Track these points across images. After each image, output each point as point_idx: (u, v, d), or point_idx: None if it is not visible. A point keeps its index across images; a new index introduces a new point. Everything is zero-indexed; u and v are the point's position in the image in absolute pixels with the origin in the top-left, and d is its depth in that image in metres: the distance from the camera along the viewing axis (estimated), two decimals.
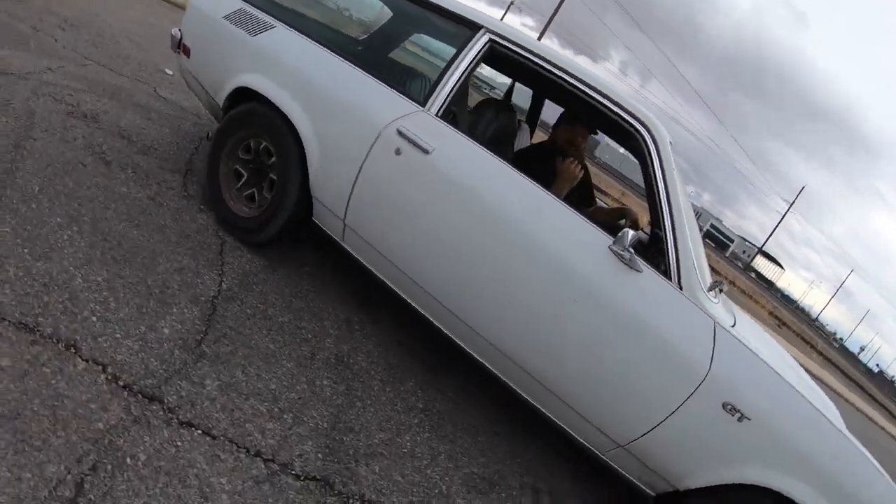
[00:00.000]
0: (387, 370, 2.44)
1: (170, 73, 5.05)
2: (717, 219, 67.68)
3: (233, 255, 2.58)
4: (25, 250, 1.94)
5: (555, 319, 2.08)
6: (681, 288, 2.01)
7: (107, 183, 2.61)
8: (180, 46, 2.95)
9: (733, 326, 2.14)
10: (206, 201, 2.86)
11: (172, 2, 9.52)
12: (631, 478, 2.19)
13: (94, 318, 1.83)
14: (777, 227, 50.48)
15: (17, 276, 1.82)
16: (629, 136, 2.22)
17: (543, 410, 2.24)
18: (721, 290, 2.48)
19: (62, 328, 1.73)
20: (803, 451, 1.93)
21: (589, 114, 2.81)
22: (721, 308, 2.20)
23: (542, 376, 2.15)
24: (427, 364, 2.66)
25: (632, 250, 1.96)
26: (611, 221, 2.97)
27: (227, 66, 2.71)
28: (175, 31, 3.00)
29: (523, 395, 2.26)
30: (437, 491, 1.99)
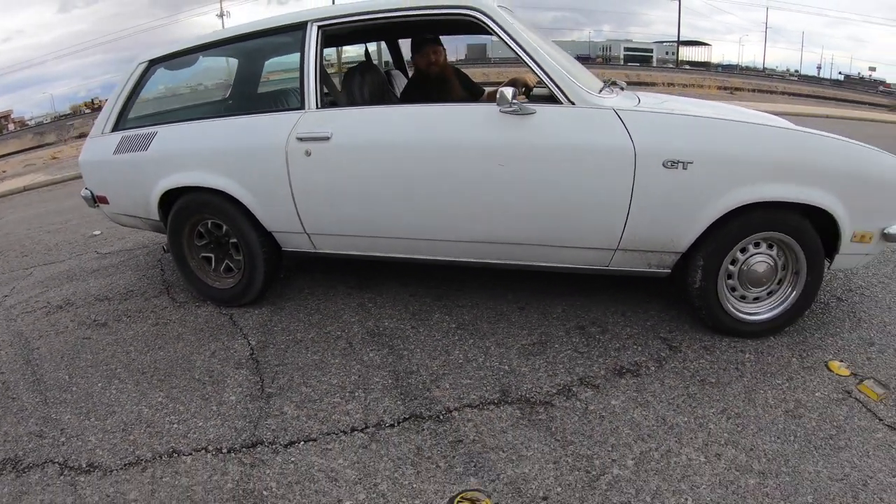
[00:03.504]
0: (411, 318, 2.80)
1: (98, 233, 5.27)
2: (627, 40, 67.30)
3: (244, 319, 2.92)
4: (92, 418, 2.24)
5: (498, 187, 2.38)
6: (572, 103, 2.29)
7: (115, 337, 2.90)
8: (96, 200, 3.21)
9: (638, 104, 2.43)
10: (197, 296, 3.19)
11: (48, 183, 9.69)
12: (642, 270, 2.49)
13: (176, 425, 2.15)
14: (680, 12, 50.43)
15: (105, 434, 2.13)
16: (467, 25, 2.50)
17: (540, 264, 2.56)
18: (621, 88, 2.77)
19: (157, 446, 2.04)
20: (762, 159, 2.19)
21: (426, 30, 3.08)
22: (619, 99, 2.48)
23: (519, 237, 2.47)
24: (437, 295, 3.03)
25: (516, 102, 2.25)
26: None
27: (142, 186, 2.99)
28: (84, 192, 3.30)
29: (517, 263, 2.58)
30: (503, 372, 2.33)
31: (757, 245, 2.37)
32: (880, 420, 1.95)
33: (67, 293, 3.63)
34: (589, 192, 2.31)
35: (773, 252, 2.38)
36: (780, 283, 2.45)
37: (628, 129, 2.22)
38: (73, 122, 28.55)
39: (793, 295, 2.43)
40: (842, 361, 2.30)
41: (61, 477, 1.93)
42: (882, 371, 2.22)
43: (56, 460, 2.01)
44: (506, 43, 2.36)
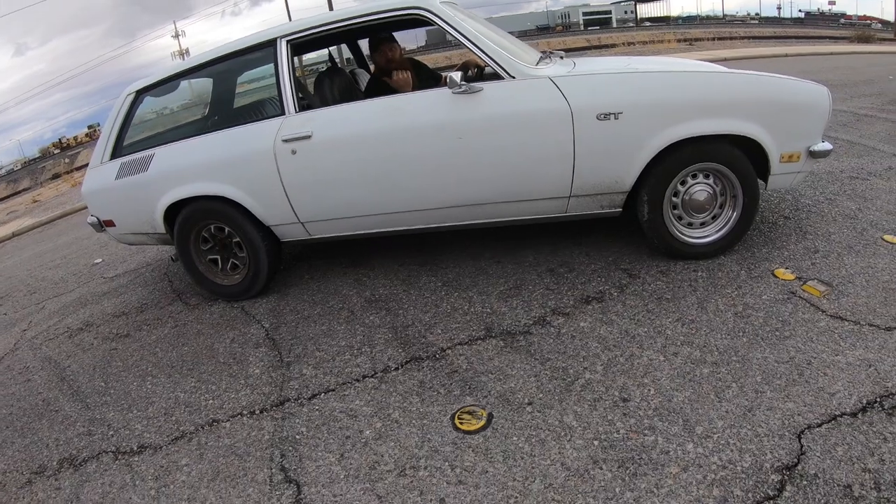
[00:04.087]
0: (402, 284, 3.18)
1: (99, 260, 5.51)
2: (585, 4, 67.41)
3: (255, 308, 3.27)
4: (134, 411, 2.55)
5: (460, 158, 2.73)
6: (513, 77, 2.64)
7: (139, 344, 3.21)
8: (103, 225, 3.52)
9: (574, 69, 2.77)
10: (208, 297, 3.54)
11: (36, 225, 9.87)
12: (596, 211, 2.83)
13: (212, 401, 2.47)
14: None
15: (149, 421, 2.45)
16: (415, 21, 2.87)
17: (507, 219, 2.91)
18: (560, 57, 3.11)
19: (198, 420, 2.38)
20: (683, 101, 2.52)
21: (379, 30, 3.41)
22: (555, 67, 2.82)
23: (484, 198, 2.82)
24: (423, 262, 3.42)
25: (464, 83, 2.60)
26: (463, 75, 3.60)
27: (147, 204, 3.30)
28: (90, 219, 3.61)
29: (487, 221, 2.93)
30: (485, 314, 2.70)
31: (695, 176, 2.70)
32: (823, 312, 2.26)
33: (85, 316, 3.90)
34: (538, 151, 2.65)
35: (711, 181, 2.71)
36: (721, 207, 2.78)
37: (563, 93, 2.57)
38: (45, 164, 28.48)
39: (734, 216, 2.77)
40: (787, 268, 2.62)
41: (116, 462, 2.22)
42: (825, 272, 2.53)
43: (109, 450, 2.30)
44: (449, 33, 2.70)
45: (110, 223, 3.52)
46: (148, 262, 4.83)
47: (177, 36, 41.81)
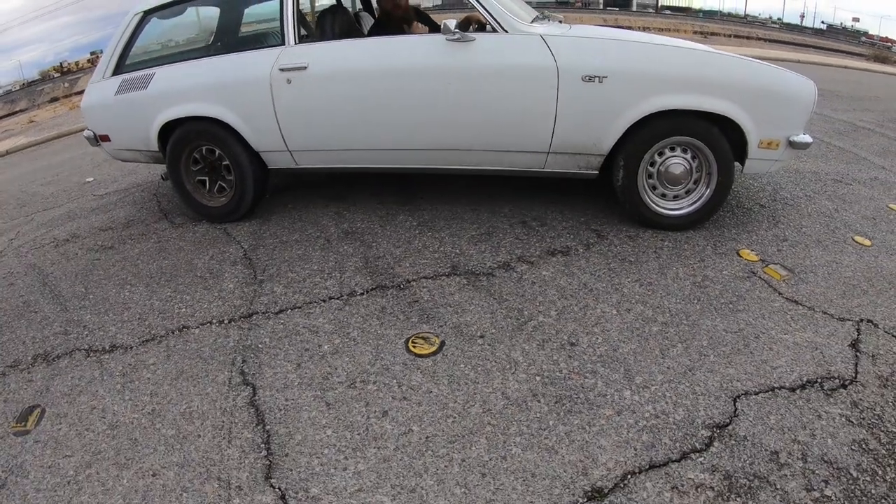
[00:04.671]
0: (379, 220, 3.30)
1: (91, 179, 5.56)
2: None
3: (237, 230, 3.38)
4: (111, 314, 2.66)
5: (447, 103, 2.82)
6: (505, 31, 2.72)
7: (122, 256, 3.30)
8: (98, 139, 3.59)
9: (568, 31, 2.84)
10: (194, 217, 3.63)
11: (30, 144, 9.86)
12: (572, 171, 2.92)
13: (184, 310, 2.58)
14: None
15: (123, 324, 2.57)
16: None
17: (487, 168, 3.00)
18: (559, 21, 3.18)
19: (169, 325, 2.50)
20: (667, 74, 2.59)
21: None
22: (548, 27, 2.89)
23: (467, 145, 2.91)
24: (403, 202, 3.53)
25: (458, 31, 2.67)
26: (463, 29, 3.66)
27: (143, 121, 3.36)
28: (87, 133, 3.68)
29: (467, 168, 3.03)
30: (454, 255, 2.81)
31: (672, 149, 2.78)
32: (780, 294, 2.35)
33: (72, 229, 3.98)
34: (521, 104, 2.74)
35: (688, 156, 2.79)
36: (696, 182, 2.86)
37: (552, 51, 2.64)
38: (44, 87, 28.14)
39: (707, 193, 2.85)
40: (752, 251, 2.71)
41: (88, 359, 2.33)
42: (790, 260, 2.62)
43: (82, 348, 2.41)
44: None
45: (106, 138, 3.58)
46: (139, 183, 4.90)
47: None
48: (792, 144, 2.67)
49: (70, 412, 2.02)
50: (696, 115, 2.64)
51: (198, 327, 2.43)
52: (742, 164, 2.77)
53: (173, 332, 2.42)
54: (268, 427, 1.84)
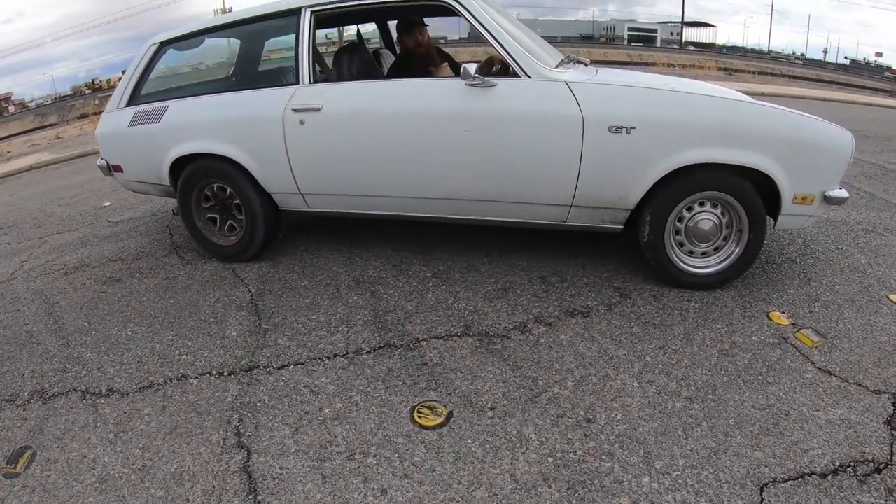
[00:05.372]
0: (393, 269, 3.17)
1: (107, 204, 5.57)
2: (631, 20, 66.76)
3: (245, 272, 3.29)
4: (110, 355, 2.57)
5: (465, 150, 2.71)
6: (529, 77, 2.60)
7: (129, 290, 3.23)
8: (111, 169, 3.55)
9: (594, 77, 2.73)
10: (203, 254, 3.56)
11: (54, 161, 9.98)
12: (596, 225, 2.79)
13: (185, 356, 2.48)
14: None
15: (122, 366, 2.47)
16: (442, 9, 2.83)
17: (506, 219, 2.88)
18: (584, 64, 3.07)
19: (168, 372, 2.39)
20: (699, 125, 2.46)
21: (409, 13, 3.39)
22: (574, 73, 2.78)
23: (485, 195, 2.79)
24: (417, 250, 3.41)
25: (478, 76, 2.56)
26: (486, 71, 3.57)
27: (155, 154, 3.32)
28: (100, 161, 3.66)
29: (485, 218, 2.91)
30: (468, 312, 2.67)
31: (702, 204, 2.65)
32: (812, 363, 2.19)
33: (83, 256, 3.94)
34: (544, 154, 2.61)
35: (718, 211, 2.65)
36: (725, 239, 2.71)
37: (577, 99, 2.52)
38: (74, 102, 28.78)
39: (736, 251, 2.70)
40: (783, 313, 2.55)
41: (83, 401, 2.25)
42: (822, 323, 2.46)
43: (78, 388, 2.33)
44: (471, 24, 2.67)
45: (119, 168, 3.55)
46: (153, 212, 4.86)
47: None
48: (827, 199, 2.52)
49: (61, 458, 1.95)
50: (727, 168, 2.50)
51: (196, 377, 2.32)
52: (774, 219, 2.64)
53: (171, 381, 2.32)
54: (259, 498, 1.71)
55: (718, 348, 2.30)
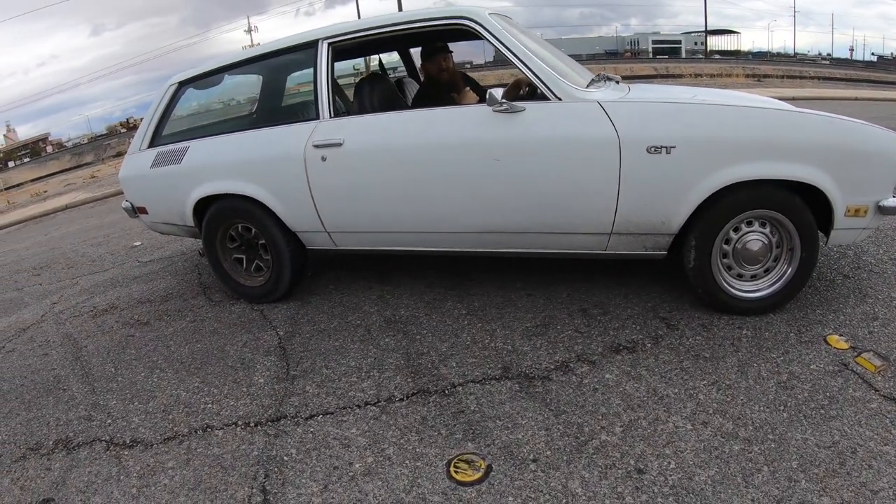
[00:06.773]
0: (425, 307, 3.03)
1: (138, 244, 5.60)
2: (655, 33, 66.49)
3: (274, 313, 3.20)
4: (136, 402, 2.51)
5: (495, 180, 2.57)
6: (559, 99, 2.47)
7: (156, 334, 3.18)
8: (136, 211, 3.54)
9: (627, 95, 2.59)
10: (231, 295, 3.50)
11: (89, 200, 10.18)
12: (638, 252, 2.63)
13: (210, 405, 2.39)
14: (706, 1, 49.87)
15: (147, 415, 2.39)
16: (464, 33, 2.72)
17: (542, 251, 2.73)
18: (616, 82, 2.93)
19: (193, 423, 2.29)
20: (742, 139, 2.29)
21: (430, 40, 3.30)
22: (606, 92, 2.63)
23: (519, 226, 2.65)
24: (450, 285, 3.27)
25: (504, 101, 2.44)
26: (513, 95, 3.45)
27: (178, 196, 3.28)
28: (125, 204, 3.65)
29: (520, 251, 2.76)
30: (505, 352, 2.51)
31: (749, 223, 2.47)
32: (876, 391, 2.00)
33: (112, 298, 3.94)
34: (579, 181, 2.47)
35: (767, 230, 2.47)
36: (776, 260, 2.53)
37: (612, 120, 2.38)
38: (110, 141, 29.66)
39: (789, 271, 2.51)
40: (841, 335, 2.36)
41: (107, 452, 2.19)
42: (883, 344, 2.26)
43: (103, 438, 2.27)
44: (494, 46, 2.56)
45: (143, 210, 3.52)
46: (183, 252, 4.86)
47: (249, 31, 42.93)
48: (881, 210, 2.33)
49: None
50: (775, 183, 2.33)
51: (222, 428, 2.22)
52: (826, 234, 2.45)
53: (196, 432, 2.23)
54: None
55: (776, 380, 2.12)
